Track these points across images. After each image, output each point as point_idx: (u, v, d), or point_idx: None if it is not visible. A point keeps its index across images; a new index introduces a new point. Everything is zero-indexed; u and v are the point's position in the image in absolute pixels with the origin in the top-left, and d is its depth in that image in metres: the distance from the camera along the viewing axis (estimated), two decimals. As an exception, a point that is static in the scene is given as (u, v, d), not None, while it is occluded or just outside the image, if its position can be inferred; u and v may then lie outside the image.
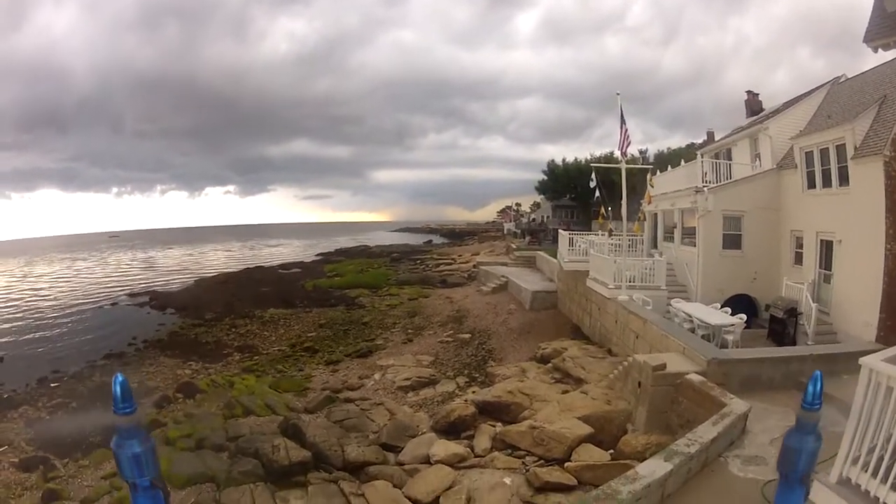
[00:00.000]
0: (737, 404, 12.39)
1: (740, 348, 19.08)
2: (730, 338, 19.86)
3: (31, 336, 42.55)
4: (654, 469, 9.24)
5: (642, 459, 12.67)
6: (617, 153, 27.73)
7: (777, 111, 31.15)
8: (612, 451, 15.28)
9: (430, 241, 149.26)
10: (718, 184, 27.49)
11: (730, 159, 31.21)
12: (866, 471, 6.58)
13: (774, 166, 26.58)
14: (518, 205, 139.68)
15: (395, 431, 18.98)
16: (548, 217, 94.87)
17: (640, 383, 15.81)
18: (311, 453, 16.92)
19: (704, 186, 26.60)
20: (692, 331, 20.18)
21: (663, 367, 15.15)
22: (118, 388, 2.62)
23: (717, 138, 41.01)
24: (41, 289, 70.69)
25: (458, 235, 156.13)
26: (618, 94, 24.46)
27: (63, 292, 67.20)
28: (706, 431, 10.98)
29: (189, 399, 25.07)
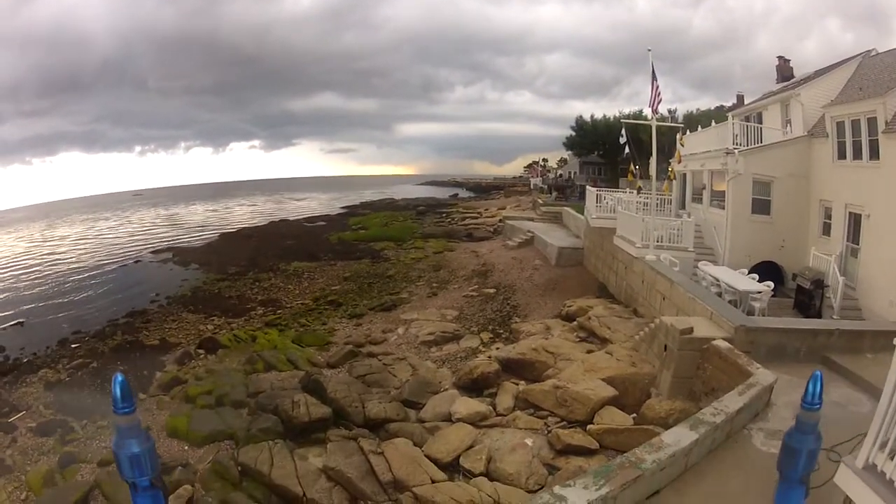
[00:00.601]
0: (763, 375, 12.12)
1: (767, 316, 18.75)
2: (757, 305, 19.50)
3: (52, 299, 42.52)
4: (679, 438, 9.05)
5: (665, 425, 12.54)
6: (647, 111, 27.26)
7: (809, 78, 30.44)
8: (634, 415, 15.21)
9: (457, 194, 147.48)
10: (749, 147, 26.97)
11: (760, 123, 30.60)
12: (893, 458, 6.35)
13: (805, 133, 26.03)
14: (545, 160, 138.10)
15: (416, 388, 19.02)
16: (575, 173, 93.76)
17: (666, 346, 15.62)
18: (331, 410, 16.94)
19: (735, 148, 26.12)
20: (719, 295, 19.93)
21: (690, 330, 14.90)
22: (118, 389, 2.62)
23: (746, 102, 40.49)
24: (63, 251, 70.08)
25: (485, 190, 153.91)
26: (649, 50, 23.97)
27: (85, 253, 66.90)
28: (732, 401, 10.75)
29: (211, 355, 25.21)
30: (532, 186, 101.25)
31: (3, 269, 58.55)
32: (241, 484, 13.98)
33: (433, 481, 13.30)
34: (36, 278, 51.92)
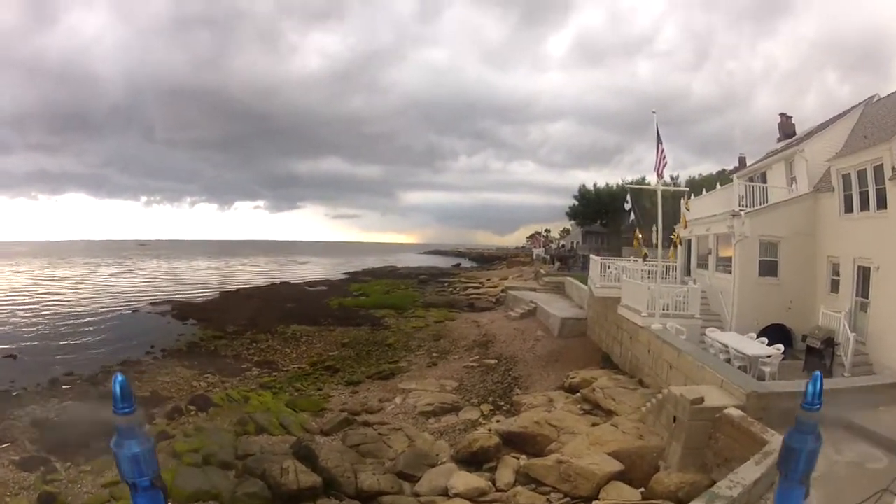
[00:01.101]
0: (778, 442, 11.46)
1: (778, 380, 18.23)
2: (767, 369, 19.06)
3: (47, 338, 42.47)
4: (696, 515, 8.40)
5: (675, 499, 11.99)
6: (651, 177, 27.07)
7: (812, 133, 30.45)
8: (642, 489, 14.45)
9: (459, 264, 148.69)
10: (755, 208, 26.68)
11: (764, 183, 30.33)
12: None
13: (811, 190, 25.81)
14: (548, 231, 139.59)
15: (413, 459, 18.17)
16: (577, 243, 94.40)
17: (675, 418, 14.99)
18: (321, 478, 16.16)
19: (741, 210, 25.78)
20: (728, 361, 19.48)
21: (701, 400, 14.32)
22: (118, 388, 2.47)
23: (749, 163, 40.34)
24: (62, 293, 71.04)
25: (487, 260, 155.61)
26: (654, 112, 23.98)
27: (85, 297, 67.58)
28: (749, 472, 10.22)
29: (202, 412, 24.47)
30: (535, 257, 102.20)
31: (2, 302, 59.44)
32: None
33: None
34: (33, 316, 52.14)
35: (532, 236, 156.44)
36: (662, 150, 23.41)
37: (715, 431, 13.93)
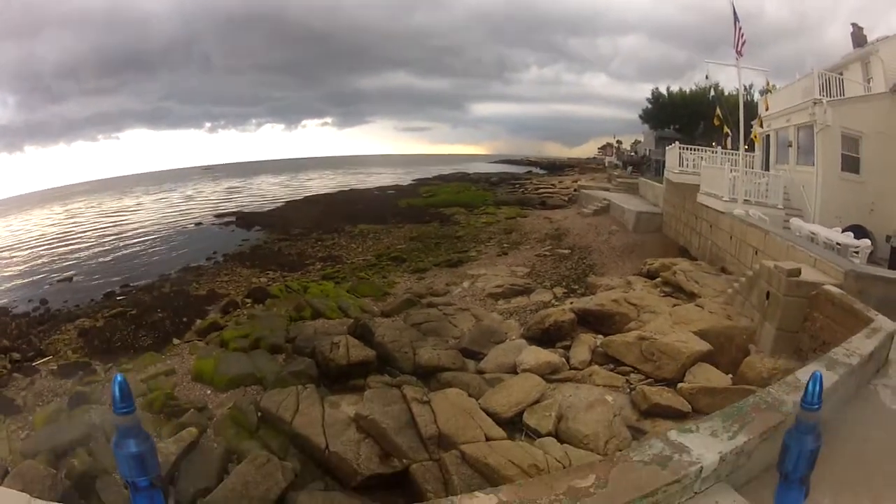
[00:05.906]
0: (884, 321, 10.03)
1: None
2: (856, 261, 17.46)
3: (106, 260, 42.78)
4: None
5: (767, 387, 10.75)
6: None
7: (888, 37, 28.61)
8: (731, 375, 13.17)
9: (530, 171, 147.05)
10: (835, 98, 25.08)
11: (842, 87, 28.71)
12: None
13: (888, 91, 24.18)
14: (619, 142, 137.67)
15: (479, 336, 17.22)
16: (650, 150, 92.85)
17: (768, 294, 13.66)
18: (374, 353, 15.25)
19: (822, 98, 24.32)
20: (815, 251, 18.15)
21: (798, 272, 13.00)
22: (117, 388, 2.61)
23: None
24: (122, 220, 70.84)
25: (559, 168, 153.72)
26: None
27: (146, 220, 67.62)
28: (862, 344, 8.68)
29: (258, 304, 24.11)
30: (607, 164, 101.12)
31: (54, 238, 59.14)
32: (257, 432, 12.28)
33: (488, 439, 11.21)
34: (91, 243, 52.11)
35: (604, 147, 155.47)
36: (740, 28, 22.77)
37: (811, 311, 12.59)
